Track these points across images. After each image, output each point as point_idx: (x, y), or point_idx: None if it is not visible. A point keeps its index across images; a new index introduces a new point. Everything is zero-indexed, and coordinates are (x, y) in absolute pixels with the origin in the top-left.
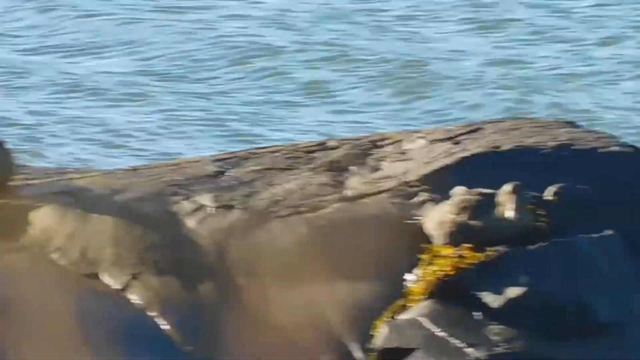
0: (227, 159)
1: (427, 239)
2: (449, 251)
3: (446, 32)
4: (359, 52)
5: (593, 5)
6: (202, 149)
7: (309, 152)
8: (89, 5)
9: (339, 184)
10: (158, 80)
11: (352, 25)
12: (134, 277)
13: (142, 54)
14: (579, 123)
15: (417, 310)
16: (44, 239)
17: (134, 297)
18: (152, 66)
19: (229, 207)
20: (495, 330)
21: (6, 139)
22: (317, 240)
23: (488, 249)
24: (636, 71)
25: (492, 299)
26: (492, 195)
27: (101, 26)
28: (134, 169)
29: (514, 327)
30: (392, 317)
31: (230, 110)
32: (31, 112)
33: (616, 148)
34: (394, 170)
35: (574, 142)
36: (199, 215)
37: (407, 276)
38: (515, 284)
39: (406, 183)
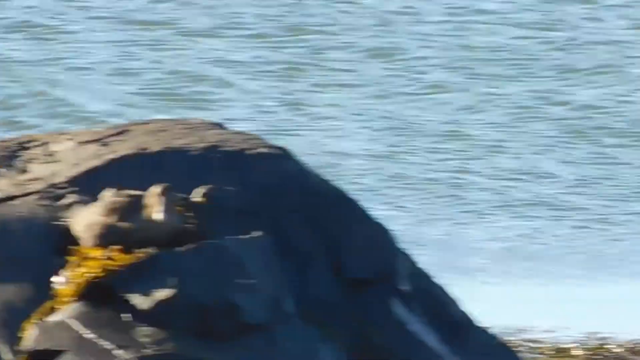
0: None
1: (75, 241)
2: (97, 253)
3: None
4: None
5: None
6: None
7: None
8: None
9: None
10: None
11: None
12: None
13: None
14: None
15: (66, 312)
16: None
17: None
18: None
19: None
20: (144, 332)
21: None
22: None
23: (137, 250)
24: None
25: (141, 301)
26: (141, 197)
27: None
28: None
29: (164, 328)
30: (41, 319)
31: None
32: None
33: (264, 149)
34: (42, 172)
35: (223, 143)
36: None
37: (56, 278)
38: (164, 285)
39: (54, 185)
